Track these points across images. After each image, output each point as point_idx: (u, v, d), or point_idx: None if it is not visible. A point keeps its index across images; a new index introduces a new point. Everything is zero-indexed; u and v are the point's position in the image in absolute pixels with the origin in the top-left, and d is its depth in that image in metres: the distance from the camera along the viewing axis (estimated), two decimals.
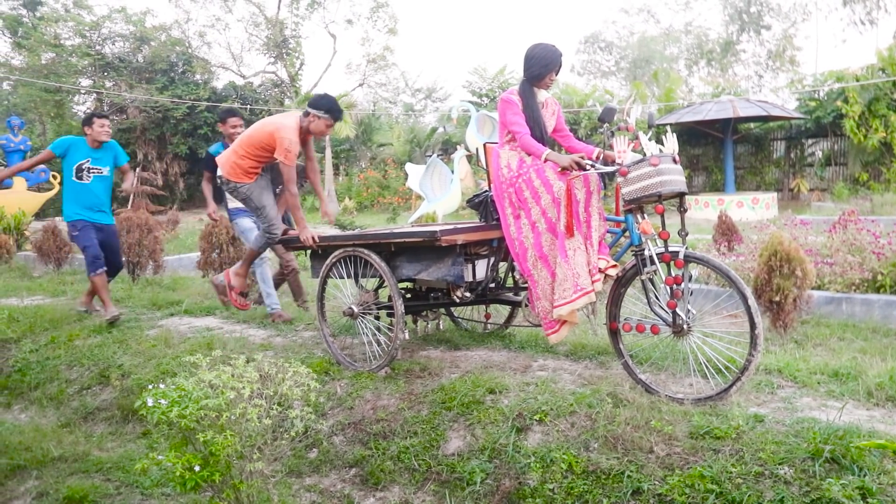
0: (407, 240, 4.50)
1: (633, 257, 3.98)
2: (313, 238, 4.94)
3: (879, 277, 6.18)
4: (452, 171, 12.81)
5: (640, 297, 4.16)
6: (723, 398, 3.72)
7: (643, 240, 3.92)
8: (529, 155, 4.24)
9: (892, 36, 25.71)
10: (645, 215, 3.98)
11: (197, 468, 3.13)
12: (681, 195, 3.88)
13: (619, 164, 3.86)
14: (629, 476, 3.23)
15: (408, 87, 29.38)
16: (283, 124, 4.88)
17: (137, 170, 20.59)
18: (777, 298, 5.37)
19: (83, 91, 21.73)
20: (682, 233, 3.84)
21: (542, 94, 4.46)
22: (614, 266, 4.03)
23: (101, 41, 21.33)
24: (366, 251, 4.60)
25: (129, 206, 18.73)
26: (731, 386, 3.70)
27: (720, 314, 5.80)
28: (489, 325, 5.47)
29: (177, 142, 21.59)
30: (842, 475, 2.91)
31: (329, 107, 4.95)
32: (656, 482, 3.16)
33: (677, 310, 3.80)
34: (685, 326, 3.83)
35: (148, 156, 21.43)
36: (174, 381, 3.87)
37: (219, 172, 5.25)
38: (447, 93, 29.99)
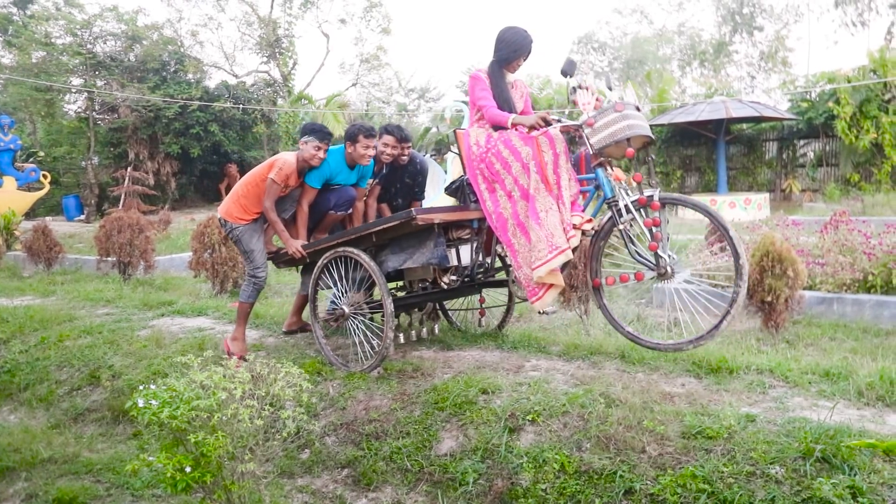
0: (386, 226, 4.51)
1: (609, 210, 3.98)
2: (298, 247, 4.96)
3: (870, 278, 6.22)
4: (445, 171, 12.79)
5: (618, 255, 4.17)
6: (714, 336, 3.73)
7: (616, 191, 3.93)
8: (496, 125, 4.28)
9: (882, 37, 25.84)
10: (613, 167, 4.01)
11: (188, 469, 3.11)
12: (646, 144, 3.92)
13: (585, 117, 3.90)
14: (621, 476, 3.23)
15: (401, 86, 29.43)
16: (282, 154, 5.03)
17: (129, 169, 20.50)
18: (769, 298, 5.40)
19: (74, 90, 21.58)
20: (654, 181, 3.88)
21: (510, 76, 4.50)
22: (589, 221, 4.03)
23: (92, 40, 21.18)
24: (353, 250, 4.60)
25: (121, 206, 18.66)
26: (721, 321, 3.70)
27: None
28: (482, 321, 5.47)
29: (168, 141, 21.47)
30: (832, 475, 2.92)
31: (309, 129, 4.97)
32: (648, 482, 3.17)
33: (659, 251, 3.80)
34: (668, 269, 3.83)
35: (139, 155, 21.30)
36: (165, 382, 3.85)
37: (218, 215, 5.20)
38: (440, 93, 30.09)
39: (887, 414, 3.56)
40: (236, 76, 25.02)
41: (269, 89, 24.99)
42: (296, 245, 4.98)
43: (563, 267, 4.12)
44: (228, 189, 23.96)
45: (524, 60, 4.43)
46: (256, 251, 5.07)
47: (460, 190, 4.71)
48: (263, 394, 3.85)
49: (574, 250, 4.06)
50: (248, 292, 5.11)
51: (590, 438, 3.55)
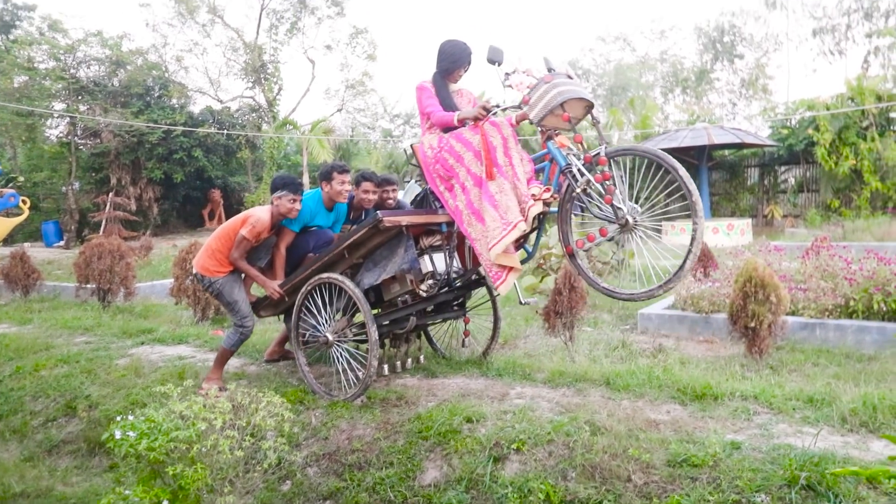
0: (357, 237, 4.52)
1: (566, 177, 4.05)
2: (275, 287, 4.92)
3: (852, 303, 6.26)
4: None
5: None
6: (681, 277, 3.76)
7: (568, 158, 4.01)
8: (444, 126, 4.44)
9: (860, 66, 26.46)
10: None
11: (165, 503, 3.03)
12: (588, 108, 4.00)
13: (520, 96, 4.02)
14: None
15: (386, 112, 29.60)
16: (255, 210, 5.04)
17: (110, 195, 20.32)
18: (752, 324, 5.41)
19: (56, 115, 21.45)
20: (602, 142, 3.93)
21: (454, 86, 4.69)
22: (547, 190, 4.09)
23: (75, 65, 21.12)
24: (335, 276, 4.57)
25: (102, 232, 18.47)
26: (685, 260, 3.74)
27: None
28: (466, 342, 5.43)
29: (151, 166, 21.35)
30: (818, 502, 2.90)
31: (281, 184, 4.98)
32: None
33: (614, 202, 3.84)
34: (629, 219, 3.84)
35: (122, 180, 21.14)
36: (143, 413, 3.77)
37: (194, 270, 5.17)
38: None
39: (871, 440, 3.56)
40: (221, 101, 25.02)
41: (253, 114, 25.01)
42: (273, 285, 4.94)
43: (520, 243, 4.30)
44: (211, 215, 23.88)
45: (465, 71, 4.67)
46: (240, 301, 5.03)
47: (425, 200, 4.78)
48: (244, 424, 3.78)
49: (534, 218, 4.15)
50: (233, 340, 5.04)
51: (575, 467, 3.52)
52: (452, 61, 4.59)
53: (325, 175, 5.19)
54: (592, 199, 3.95)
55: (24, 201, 18.70)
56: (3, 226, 17.60)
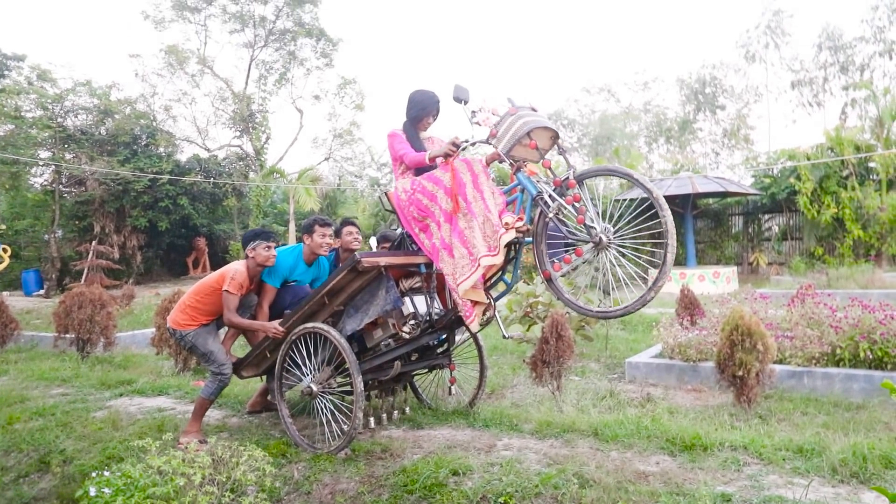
0: (335, 282, 4.50)
1: (538, 204, 4.12)
2: (276, 326, 4.85)
3: (838, 351, 6.27)
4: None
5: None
6: (654, 290, 3.80)
7: (539, 186, 4.10)
8: (417, 166, 4.52)
9: (838, 117, 27.21)
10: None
11: None
12: (553, 139, 4.15)
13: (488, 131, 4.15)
14: None
15: (374, 161, 29.80)
16: (230, 265, 5.08)
17: (93, 243, 20.15)
18: (740, 373, 5.39)
19: (42, 163, 21.42)
20: (570, 167, 4.01)
21: (424, 133, 4.79)
22: (520, 219, 4.14)
23: (63, 113, 21.19)
24: (321, 326, 4.52)
25: (83, 281, 18.25)
26: (657, 279, 3.78)
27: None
28: (453, 390, 5.34)
29: (136, 214, 21.27)
30: None
31: (252, 235, 5.05)
32: None
33: (587, 222, 3.92)
34: (603, 238, 3.90)
35: (105, 228, 20.99)
36: (120, 468, 3.65)
37: (168, 324, 5.18)
38: None
39: (862, 491, 3.51)
40: (208, 150, 25.13)
41: (241, 163, 25.12)
42: (273, 325, 4.88)
43: (499, 275, 4.40)
44: (196, 263, 23.71)
45: (433, 119, 4.77)
46: (215, 350, 5.00)
47: (402, 243, 4.83)
48: (224, 479, 3.67)
49: (509, 261, 4.32)
50: (211, 389, 4.97)
51: None
52: (420, 109, 4.69)
53: (306, 228, 5.23)
54: (566, 223, 4.05)
55: (4, 249, 18.52)
56: None
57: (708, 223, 19.78)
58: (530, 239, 4.29)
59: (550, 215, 4.01)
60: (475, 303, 4.30)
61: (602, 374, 7.30)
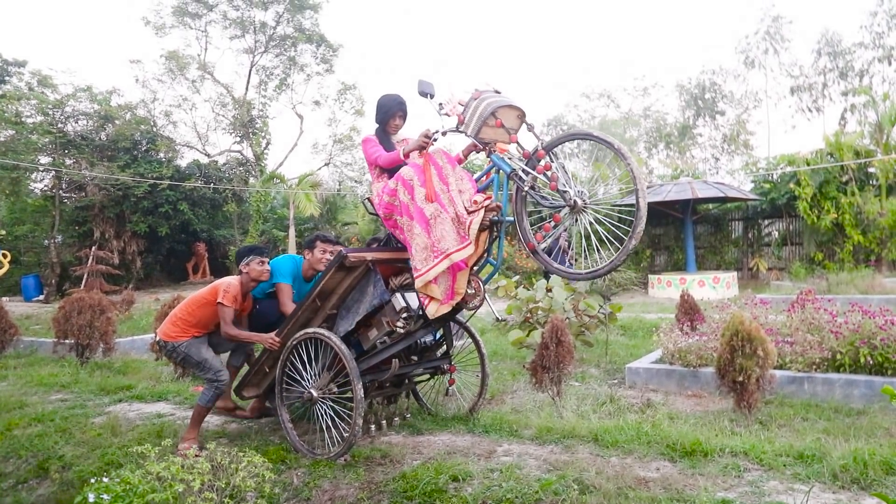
0: (324, 282, 4.53)
1: (513, 181, 4.24)
2: (272, 337, 4.86)
3: (838, 356, 6.25)
4: None
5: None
6: (626, 251, 3.85)
7: (511, 164, 4.22)
8: (392, 164, 4.58)
9: (837, 122, 27.25)
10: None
11: None
12: (521, 118, 4.24)
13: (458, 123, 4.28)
14: None
15: None
16: (225, 279, 5.10)
17: (93, 248, 20.16)
18: (740, 378, 5.37)
19: (42, 169, 21.45)
20: (539, 140, 4.15)
21: (397, 136, 4.83)
22: (489, 197, 4.25)
23: (63, 119, 21.22)
24: (321, 332, 4.52)
25: (83, 286, 18.24)
26: (629, 241, 3.81)
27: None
28: (450, 391, 5.34)
29: (136, 220, 21.28)
30: None
31: (246, 251, 5.11)
32: None
33: (559, 187, 4.02)
34: (578, 201, 4.00)
35: (105, 234, 21.01)
36: (119, 474, 3.64)
37: (157, 337, 5.20)
38: None
39: (863, 497, 3.50)
40: (208, 155, 25.18)
41: (241, 168, 25.16)
42: (269, 337, 4.88)
43: (484, 258, 4.42)
44: (196, 268, 23.69)
45: (401, 120, 4.82)
46: (209, 358, 5.00)
47: (388, 242, 4.93)
48: (223, 485, 3.66)
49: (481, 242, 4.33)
50: (208, 397, 4.96)
51: None
52: (385, 111, 4.75)
53: (308, 243, 5.30)
54: (543, 194, 4.15)
55: (4, 255, 18.50)
56: None
57: (708, 228, 19.78)
58: (511, 217, 4.35)
59: (526, 188, 4.14)
60: (431, 297, 4.35)
61: (602, 380, 7.29)
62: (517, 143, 4.28)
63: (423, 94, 4.38)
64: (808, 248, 18.11)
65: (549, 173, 4.06)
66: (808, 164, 17.41)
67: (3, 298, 15.44)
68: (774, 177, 18.75)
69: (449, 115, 4.32)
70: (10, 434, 5.57)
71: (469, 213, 4.23)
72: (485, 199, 4.23)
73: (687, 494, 3.55)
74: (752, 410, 5.46)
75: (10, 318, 10.00)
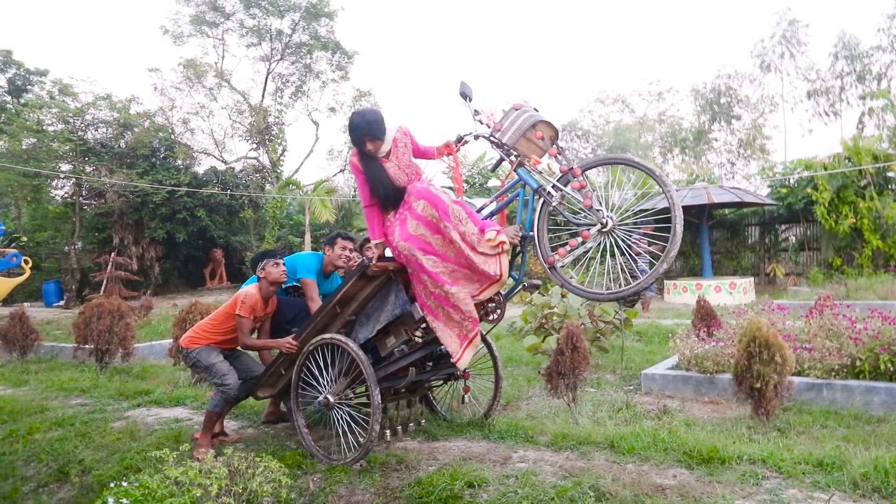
0: (346, 289, 4.54)
1: (540, 197, 4.21)
2: (289, 342, 4.90)
3: (858, 363, 6.18)
4: None
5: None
6: (657, 274, 3.83)
7: (540, 179, 4.21)
8: (425, 156, 4.71)
9: (855, 126, 26.93)
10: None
11: None
12: (554, 136, 4.25)
13: (492, 128, 4.28)
14: None
15: None
16: (243, 289, 5.19)
17: (112, 254, 20.40)
18: (758, 385, 5.33)
19: (62, 176, 21.76)
20: (567, 164, 4.15)
21: (383, 149, 4.48)
22: (499, 232, 4.24)
23: (83, 127, 21.52)
24: (339, 338, 4.54)
25: (102, 292, 18.45)
26: (661, 263, 3.82)
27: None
28: (466, 398, 5.33)
29: (155, 226, 21.51)
30: None
31: (261, 256, 5.20)
32: None
33: (593, 205, 4.01)
34: (608, 220, 3.99)
35: (124, 240, 21.25)
36: (138, 478, 3.68)
37: (180, 344, 5.34)
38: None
39: None
40: (225, 162, 25.39)
41: (257, 175, 25.34)
42: (286, 341, 4.92)
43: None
44: (213, 274, 23.89)
45: (371, 145, 4.40)
46: (217, 363, 5.10)
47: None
48: (240, 490, 3.69)
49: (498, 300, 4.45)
50: (216, 402, 5.05)
51: None
52: (355, 137, 4.42)
53: (330, 239, 5.42)
54: (575, 211, 4.16)
55: (25, 261, 18.79)
56: (4, 286, 17.63)
57: (724, 234, 19.63)
58: (533, 233, 4.34)
59: (554, 204, 4.13)
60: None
61: (618, 386, 7.25)
62: (556, 156, 4.27)
63: (464, 95, 4.41)
64: (825, 254, 17.91)
65: (583, 191, 4.07)
66: (826, 169, 17.24)
67: (25, 304, 15.65)
68: (791, 181, 18.58)
69: (483, 123, 4.36)
70: (31, 438, 5.64)
71: (486, 255, 4.24)
72: (498, 234, 4.23)
73: (704, 502, 3.53)
74: (770, 417, 5.41)
75: (32, 323, 10.16)
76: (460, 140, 4.50)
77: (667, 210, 3.92)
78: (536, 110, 4.30)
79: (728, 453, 4.20)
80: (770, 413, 5.40)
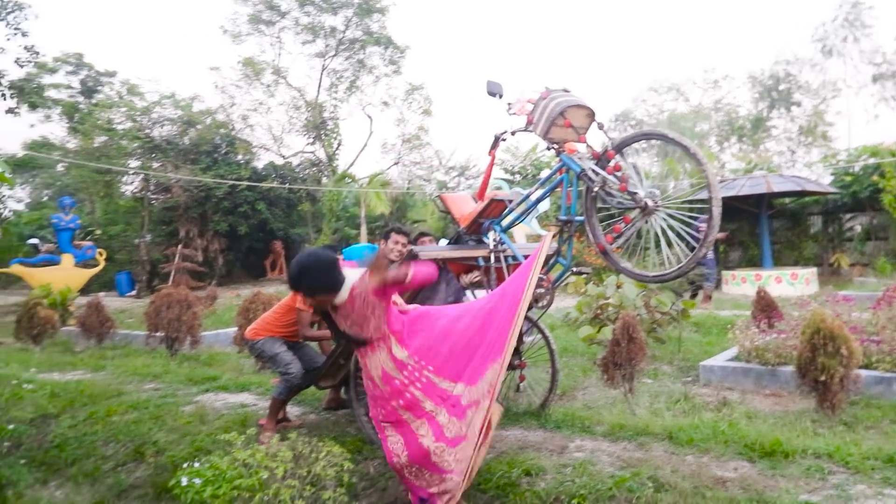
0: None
1: (583, 181, 4.16)
2: None
3: None
4: None
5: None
6: (702, 249, 3.75)
7: (581, 164, 4.14)
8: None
9: None
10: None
11: None
12: (591, 115, 4.15)
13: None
14: None
15: (441, 164, 30.03)
16: None
17: (179, 247, 21.18)
18: (823, 378, 5.19)
19: (131, 172, 22.68)
20: (609, 139, 4.08)
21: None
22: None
23: (150, 125, 22.39)
24: None
25: (170, 282, 19.18)
26: (706, 236, 3.70)
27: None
28: (521, 387, 5.36)
29: (218, 219, 22.22)
30: None
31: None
32: None
33: (629, 189, 3.92)
34: (649, 203, 3.90)
35: (189, 233, 22.03)
36: (209, 460, 3.87)
37: (247, 335, 5.56)
38: (480, 170, 30.53)
39: None
40: (283, 157, 25.98)
41: (314, 169, 25.84)
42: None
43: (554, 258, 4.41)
44: (273, 265, 24.52)
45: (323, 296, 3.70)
46: (280, 352, 5.28)
47: (459, 239, 5.01)
48: (305, 473, 3.83)
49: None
50: (280, 389, 5.25)
51: None
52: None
53: (385, 233, 5.57)
54: (613, 194, 4.07)
55: (100, 253, 19.72)
56: (81, 277, 18.54)
57: (785, 223, 18.97)
58: (581, 217, 4.32)
59: (596, 189, 4.08)
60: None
61: (675, 377, 7.17)
62: (586, 143, 4.25)
63: (492, 94, 4.41)
64: (893, 243, 17.13)
65: (619, 174, 4.01)
66: (893, 156, 16.46)
67: (100, 294, 16.40)
68: (856, 169, 17.82)
69: (517, 115, 4.34)
70: (109, 420, 5.97)
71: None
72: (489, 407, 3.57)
73: (767, 496, 3.48)
74: (836, 411, 5.27)
75: (107, 312, 10.70)
76: (496, 140, 4.47)
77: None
78: (567, 91, 4.23)
79: (792, 447, 4.12)
80: (836, 407, 5.26)
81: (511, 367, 5.37)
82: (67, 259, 18.67)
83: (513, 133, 4.44)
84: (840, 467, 3.88)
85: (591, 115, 4.21)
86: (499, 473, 3.99)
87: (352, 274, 3.56)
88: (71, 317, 12.42)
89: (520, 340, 5.34)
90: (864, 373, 5.83)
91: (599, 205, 4.34)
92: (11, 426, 4.82)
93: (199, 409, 5.94)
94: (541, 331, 5.46)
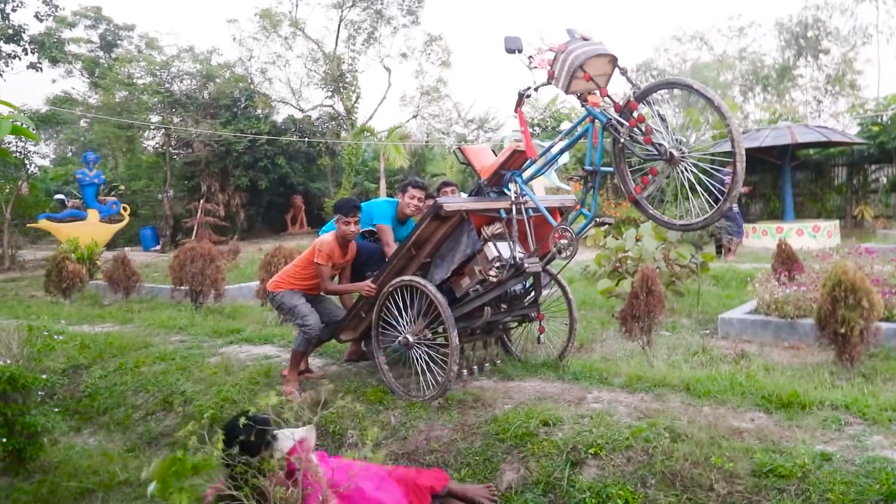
0: (420, 231, 4.69)
1: (610, 132, 4.12)
2: (369, 285, 5.08)
3: None
4: None
5: None
6: (728, 201, 3.73)
7: (607, 114, 4.09)
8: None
9: None
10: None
11: None
12: (613, 61, 4.06)
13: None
14: None
15: (460, 117, 29.69)
16: (320, 237, 5.37)
17: (201, 201, 21.38)
18: (842, 330, 5.17)
19: (153, 127, 22.78)
20: (633, 88, 4.01)
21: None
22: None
23: (170, 79, 22.38)
24: (417, 280, 4.69)
25: (194, 237, 19.44)
26: (731, 190, 3.68)
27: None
28: (541, 338, 5.41)
29: (238, 174, 22.34)
30: None
31: (335, 209, 5.31)
32: None
33: (654, 140, 3.89)
34: (674, 153, 3.86)
35: (211, 188, 22.21)
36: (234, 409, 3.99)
37: (268, 287, 5.61)
38: (499, 123, 30.10)
39: None
40: (302, 110, 25.86)
41: (333, 122, 25.72)
42: (365, 286, 5.12)
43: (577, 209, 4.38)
44: (294, 220, 24.71)
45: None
46: (299, 304, 5.32)
47: (480, 191, 5.00)
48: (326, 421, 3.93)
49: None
50: (299, 341, 5.31)
51: (655, 474, 3.49)
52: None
53: (402, 187, 5.60)
54: (639, 143, 4.02)
55: (124, 208, 20.00)
56: (107, 231, 18.86)
57: (808, 175, 18.57)
58: (608, 168, 4.30)
59: (622, 140, 4.05)
60: None
61: (693, 330, 7.18)
62: (607, 94, 4.16)
63: (511, 50, 4.28)
64: None
65: (642, 126, 3.93)
66: None
67: (126, 248, 16.70)
68: (884, 119, 17.30)
69: (539, 68, 4.23)
70: (138, 371, 6.16)
71: None
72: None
73: (783, 446, 3.51)
74: (855, 364, 5.26)
75: (133, 266, 10.93)
76: (521, 97, 4.39)
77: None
78: (586, 39, 4.11)
79: (809, 398, 4.12)
80: (855, 359, 5.25)
81: (530, 319, 5.41)
82: (93, 214, 18.97)
83: (536, 89, 4.35)
84: (857, 418, 3.89)
85: (613, 62, 4.10)
86: (517, 423, 4.07)
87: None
88: (98, 271, 12.68)
89: (538, 292, 5.36)
90: (884, 325, 5.79)
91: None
92: (45, 376, 4.98)
93: (223, 360, 6.09)
94: (558, 282, 5.48)
